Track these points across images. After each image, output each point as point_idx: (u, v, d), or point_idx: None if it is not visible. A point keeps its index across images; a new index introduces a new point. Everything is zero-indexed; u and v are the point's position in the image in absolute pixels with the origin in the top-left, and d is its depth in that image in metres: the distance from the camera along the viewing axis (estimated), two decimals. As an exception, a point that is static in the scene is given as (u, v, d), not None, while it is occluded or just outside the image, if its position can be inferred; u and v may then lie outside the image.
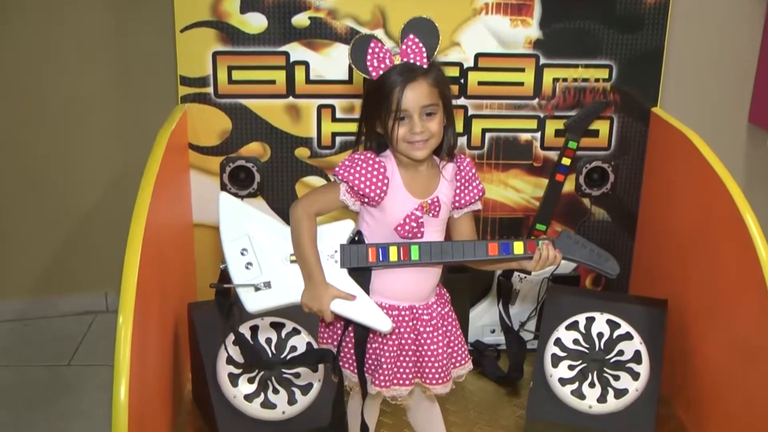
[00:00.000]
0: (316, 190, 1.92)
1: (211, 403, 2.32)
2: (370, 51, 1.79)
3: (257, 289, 1.86)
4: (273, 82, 2.74)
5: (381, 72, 1.80)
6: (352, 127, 2.75)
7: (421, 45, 1.79)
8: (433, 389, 1.91)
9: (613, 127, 2.83)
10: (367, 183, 1.80)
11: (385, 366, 1.86)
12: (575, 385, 2.45)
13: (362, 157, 1.82)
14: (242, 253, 1.86)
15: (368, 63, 1.80)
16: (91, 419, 2.70)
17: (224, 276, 1.92)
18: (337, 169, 1.83)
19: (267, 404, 2.33)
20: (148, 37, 3.19)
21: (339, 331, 1.91)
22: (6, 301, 3.37)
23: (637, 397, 2.43)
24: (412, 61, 1.79)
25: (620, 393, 2.43)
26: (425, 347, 1.88)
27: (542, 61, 2.76)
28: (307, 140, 2.80)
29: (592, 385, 2.45)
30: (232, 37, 2.67)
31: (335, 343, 1.92)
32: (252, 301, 1.87)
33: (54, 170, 3.28)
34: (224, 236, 1.89)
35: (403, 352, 1.88)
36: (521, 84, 2.78)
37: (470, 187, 1.91)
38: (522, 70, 2.77)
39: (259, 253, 1.87)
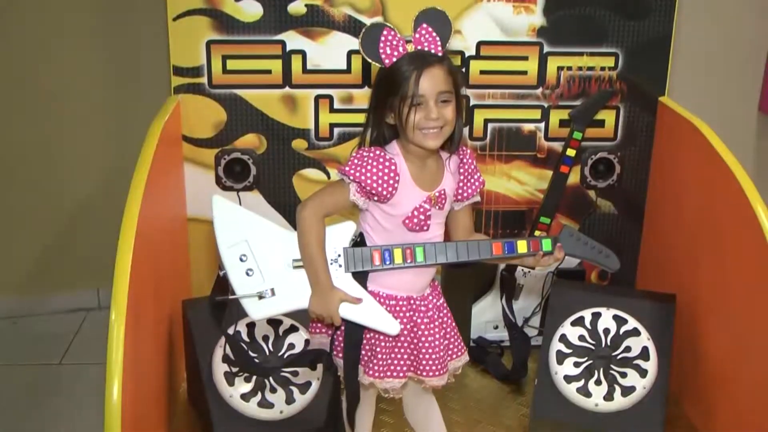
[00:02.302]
0: (323, 191, 1.87)
1: (207, 402, 2.27)
2: (383, 39, 1.79)
3: (261, 296, 1.82)
4: (269, 71, 2.70)
5: (394, 59, 1.79)
6: (351, 118, 2.73)
7: (434, 34, 1.81)
8: (429, 381, 1.89)
9: (620, 117, 2.78)
10: (379, 181, 1.77)
11: (380, 356, 1.84)
12: (581, 383, 2.41)
13: (371, 154, 1.80)
14: (241, 259, 1.83)
15: (381, 51, 1.79)
16: (83, 420, 2.66)
17: (221, 283, 1.88)
18: (346, 168, 1.80)
19: (264, 404, 2.29)
20: (139, 26, 3.13)
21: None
22: (-5, 298, 3.34)
23: (645, 395, 2.39)
24: (426, 49, 1.81)
25: (627, 390, 2.40)
26: (423, 339, 1.87)
27: (546, 49, 2.71)
28: (304, 132, 2.75)
29: (598, 382, 2.41)
30: (226, 26, 2.62)
31: (329, 332, 1.90)
32: (256, 310, 1.84)
33: (43, 164, 3.24)
34: (221, 242, 1.85)
35: (399, 344, 1.86)
36: (524, 73, 2.73)
37: (472, 180, 1.91)
38: (525, 58, 2.72)
39: (259, 259, 1.83)
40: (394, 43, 1.79)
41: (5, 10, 3.06)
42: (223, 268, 1.85)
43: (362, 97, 2.69)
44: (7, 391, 2.82)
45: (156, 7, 2.79)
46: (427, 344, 1.87)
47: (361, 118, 1.88)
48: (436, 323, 1.89)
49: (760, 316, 2.13)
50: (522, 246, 1.87)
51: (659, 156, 2.77)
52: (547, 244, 1.87)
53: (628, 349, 2.43)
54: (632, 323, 2.44)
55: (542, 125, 2.78)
